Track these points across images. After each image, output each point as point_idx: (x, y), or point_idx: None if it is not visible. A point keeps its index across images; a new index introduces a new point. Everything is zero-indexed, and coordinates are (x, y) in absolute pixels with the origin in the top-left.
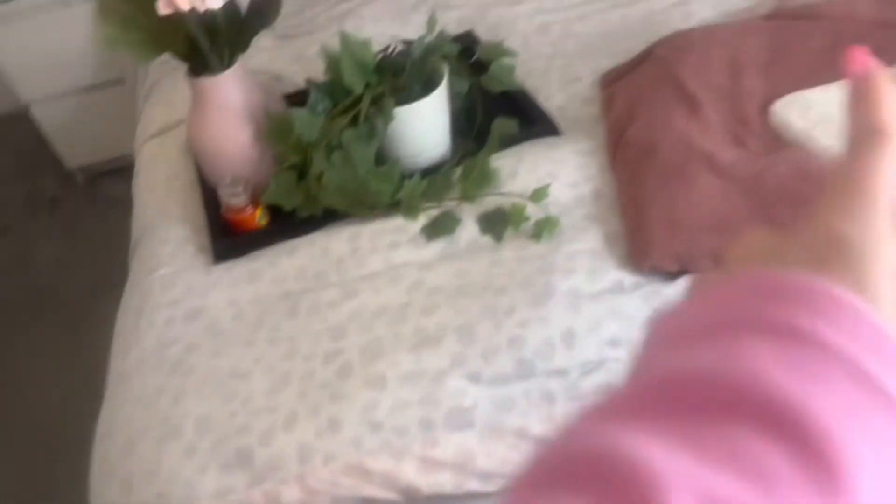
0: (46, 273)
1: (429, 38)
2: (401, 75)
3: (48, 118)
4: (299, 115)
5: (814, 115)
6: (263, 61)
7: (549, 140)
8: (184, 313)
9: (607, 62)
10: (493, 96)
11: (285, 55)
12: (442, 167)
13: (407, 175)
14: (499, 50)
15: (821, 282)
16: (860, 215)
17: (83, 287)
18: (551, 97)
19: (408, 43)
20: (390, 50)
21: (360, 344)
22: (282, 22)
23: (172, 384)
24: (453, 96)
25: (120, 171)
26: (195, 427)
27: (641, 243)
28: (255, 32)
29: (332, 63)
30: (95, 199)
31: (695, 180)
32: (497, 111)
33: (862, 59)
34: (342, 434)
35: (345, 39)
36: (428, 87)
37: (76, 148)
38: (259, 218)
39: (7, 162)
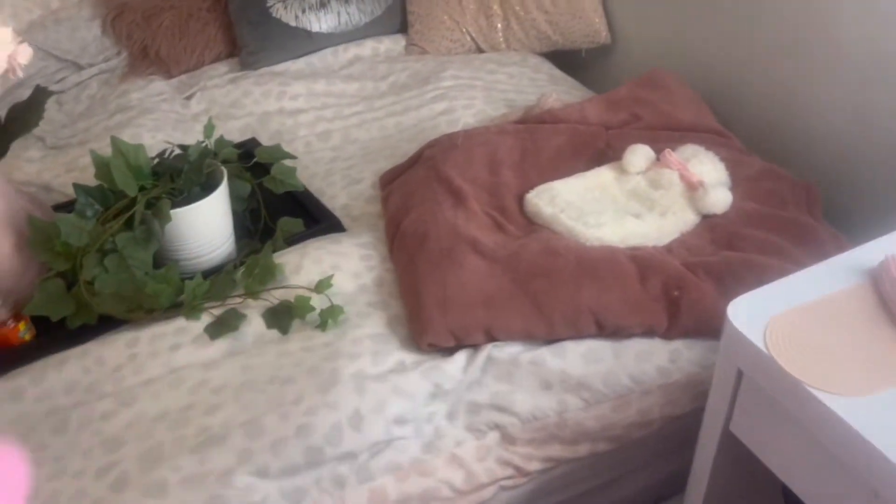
0: None
1: (206, 143)
2: (178, 178)
3: None
4: (65, 219)
5: (559, 201)
6: (31, 173)
7: (333, 236)
8: None
9: (385, 164)
10: (278, 197)
11: (56, 166)
12: (225, 266)
13: (188, 277)
14: (278, 152)
15: None
16: None
17: None
18: (335, 197)
19: (185, 147)
20: (167, 154)
21: (138, 453)
22: (53, 133)
23: None
24: (236, 198)
25: None
26: None
27: (419, 323)
28: (12, 139)
29: (102, 167)
30: None
31: (462, 262)
32: (282, 211)
33: None
34: None
35: (116, 144)
36: (207, 189)
37: None
38: (23, 332)
39: None
